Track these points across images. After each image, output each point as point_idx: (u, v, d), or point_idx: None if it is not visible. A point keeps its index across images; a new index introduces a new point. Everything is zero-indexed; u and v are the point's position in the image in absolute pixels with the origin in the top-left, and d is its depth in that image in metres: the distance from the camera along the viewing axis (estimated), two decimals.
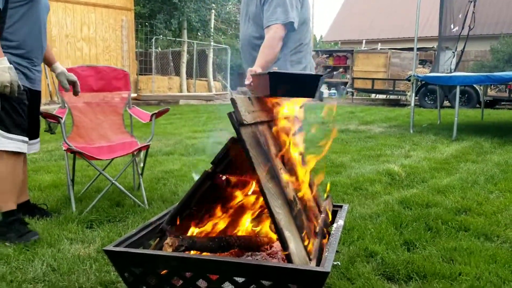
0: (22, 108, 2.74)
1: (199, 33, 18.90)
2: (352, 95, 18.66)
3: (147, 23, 16.80)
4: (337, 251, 2.23)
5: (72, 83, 3.14)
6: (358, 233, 2.86)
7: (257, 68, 2.41)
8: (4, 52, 2.58)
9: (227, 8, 19.65)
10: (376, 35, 25.63)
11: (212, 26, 18.77)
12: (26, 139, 2.77)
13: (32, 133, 2.97)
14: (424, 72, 13.80)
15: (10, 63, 2.56)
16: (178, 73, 18.09)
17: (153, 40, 16.25)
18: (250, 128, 1.68)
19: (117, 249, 1.67)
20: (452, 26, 9.24)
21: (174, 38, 17.53)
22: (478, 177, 4.42)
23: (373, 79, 16.88)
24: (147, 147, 3.53)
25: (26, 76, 2.79)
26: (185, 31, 17.12)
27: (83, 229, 2.92)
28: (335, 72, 22.78)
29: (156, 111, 3.51)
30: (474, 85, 12.88)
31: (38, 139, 3.12)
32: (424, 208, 3.41)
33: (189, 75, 18.34)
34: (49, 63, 3.14)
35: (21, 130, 2.74)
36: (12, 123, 2.70)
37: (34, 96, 2.92)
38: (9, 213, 2.76)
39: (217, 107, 13.90)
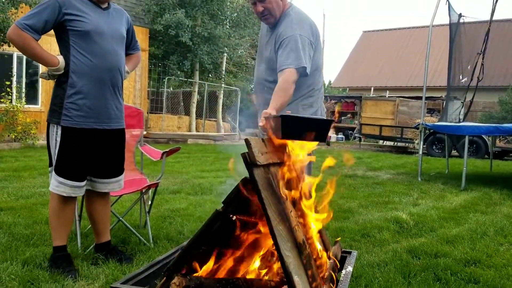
0: (80, 153, 2.78)
1: (210, 75, 19.28)
2: (360, 140, 18.71)
3: (160, 64, 17.20)
4: None
5: None
6: (365, 281, 2.81)
7: (271, 110, 2.45)
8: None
9: (239, 52, 20.08)
10: (384, 82, 25.97)
11: (224, 68, 19.16)
12: (79, 183, 2.80)
13: (107, 173, 2.96)
14: (432, 121, 13.89)
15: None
16: (188, 113, 18.32)
17: (165, 80, 16.58)
18: (263, 169, 1.70)
19: (125, 286, 1.66)
20: (461, 77, 9.36)
21: (186, 79, 17.88)
22: (487, 228, 4.36)
23: (381, 126, 16.99)
24: (156, 185, 3.54)
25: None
26: (197, 72, 17.47)
27: (88, 266, 2.90)
28: (343, 118, 22.99)
29: (167, 150, 3.54)
30: (483, 136, 12.88)
31: (118, 178, 3.05)
32: (433, 258, 3.36)
33: (199, 115, 18.57)
34: None
35: (74, 175, 2.77)
36: (65, 167, 2.75)
37: (111, 135, 2.92)
38: (56, 249, 2.86)
39: (225, 147, 13.97)
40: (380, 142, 19.47)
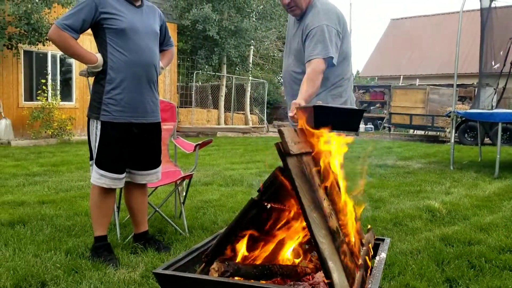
0: (119, 146, 2.89)
1: (238, 68, 19.37)
2: (389, 130, 18.49)
3: (188, 58, 17.39)
4: (379, 287, 2.22)
5: None
6: (399, 268, 2.84)
7: (300, 101, 2.49)
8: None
9: (266, 44, 20.09)
10: (414, 70, 25.48)
11: (251, 61, 19.21)
12: (119, 175, 2.92)
13: (145, 165, 3.07)
14: (464, 108, 13.60)
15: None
16: (216, 106, 18.50)
17: (194, 74, 16.77)
18: (296, 158, 1.75)
19: (166, 272, 1.75)
20: (493, 63, 9.14)
21: (214, 73, 18.03)
22: None
23: (411, 115, 16.73)
24: (190, 177, 3.64)
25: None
26: (225, 66, 17.59)
27: (128, 255, 3.02)
28: (372, 107, 22.73)
29: (200, 142, 3.63)
30: None
31: (156, 169, 3.14)
32: (466, 246, 3.34)
33: (227, 108, 18.72)
34: None
35: (114, 168, 2.89)
36: (105, 160, 2.87)
37: (148, 128, 3.02)
38: (97, 239, 2.98)
39: (254, 140, 14.05)
40: (411, 131, 19.19)
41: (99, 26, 2.81)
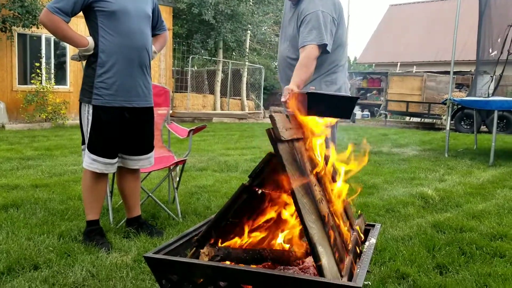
0: (112, 130, 2.88)
1: (234, 53, 19.26)
2: (386, 117, 18.49)
3: (184, 43, 17.26)
4: (368, 271, 2.24)
5: None
6: (389, 254, 2.86)
7: (293, 86, 2.48)
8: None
9: (263, 29, 19.94)
10: (410, 58, 25.39)
11: (248, 46, 19.09)
12: (111, 160, 2.91)
13: (137, 150, 3.05)
14: (460, 96, 13.59)
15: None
16: (212, 92, 18.42)
17: (190, 59, 16.66)
18: (287, 144, 1.75)
19: (157, 256, 1.75)
20: (490, 50, 9.11)
21: (210, 58, 17.92)
22: None
23: (407, 102, 16.72)
24: (183, 162, 3.64)
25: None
26: (221, 51, 17.48)
27: (120, 239, 3.03)
28: (368, 94, 22.70)
29: (194, 128, 3.62)
30: None
31: (148, 155, 3.13)
32: (458, 233, 3.37)
33: (223, 94, 18.65)
34: None
35: (106, 152, 2.88)
36: (98, 145, 2.86)
37: (140, 113, 3.00)
38: (89, 223, 2.99)
39: (250, 125, 14.04)
40: (407, 118, 19.20)
41: (90, 9, 2.77)
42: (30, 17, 10.36)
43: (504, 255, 2.93)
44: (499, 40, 9.01)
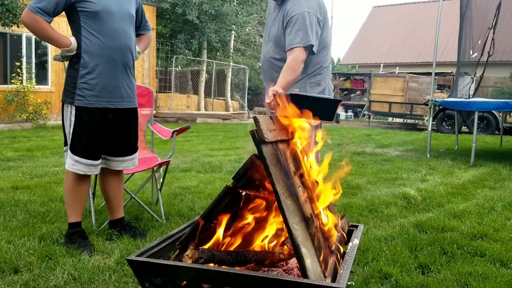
0: (95, 132, 2.84)
1: (218, 53, 19.21)
2: (369, 118, 18.66)
3: (168, 42, 17.16)
4: (351, 272, 2.25)
5: None
6: (372, 254, 2.88)
7: (278, 88, 2.48)
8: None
9: (247, 30, 19.95)
10: (394, 59, 25.68)
11: (232, 46, 19.07)
12: (94, 162, 2.87)
13: (121, 151, 3.02)
14: (442, 97, 13.78)
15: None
16: (196, 92, 18.36)
17: (173, 59, 16.57)
18: (271, 146, 1.75)
19: (139, 259, 1.74)
20: (471, 52, 9.25)
21: (194, 58, 17.85)
22: (495, 203, 4.40)
23: (390, 103, 16.89)
24: (167, 163, 3.61)
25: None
26: (205, 51, 17.43)
27: (103, 241, 3.00)
28: (352, 95, 22.87)
29: (177, 128, 3.60)
30: (493, 111, 12.79)
31: (132, 156, 3.10)
32: (440, 232, 3.41)
33: (207, 94, 18.59)
34: None
35: (89, 154, 2.84)
36: (80, 146, 2.82)
37: (124, 114, 2.97)
38: (71, 225, 2.94)
39: (234, 126, 14.02)
40: (390, 119, 19.39)
41: (72, 9, 2.74)
42: (11, 15, 10.19)
43: (484, 254, 2.98)
44: (479, 42, 9.15)
